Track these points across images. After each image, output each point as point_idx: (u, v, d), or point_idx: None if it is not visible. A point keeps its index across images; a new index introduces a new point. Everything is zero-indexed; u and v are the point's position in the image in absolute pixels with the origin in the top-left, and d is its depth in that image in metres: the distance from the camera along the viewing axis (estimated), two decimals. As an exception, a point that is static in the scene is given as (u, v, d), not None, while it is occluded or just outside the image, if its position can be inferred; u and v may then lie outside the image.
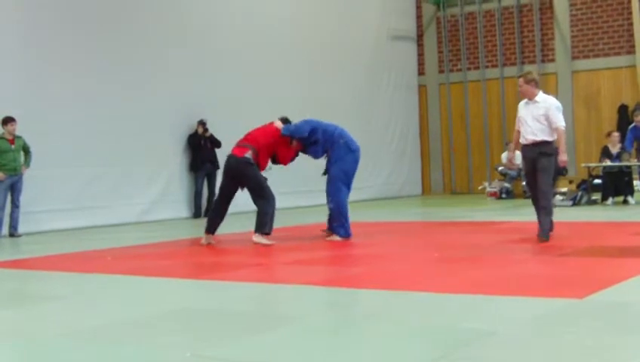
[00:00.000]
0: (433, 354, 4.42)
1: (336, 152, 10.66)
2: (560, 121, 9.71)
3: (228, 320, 5.61)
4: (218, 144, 16.50)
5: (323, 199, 10.93)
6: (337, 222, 10.66)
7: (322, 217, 11.39)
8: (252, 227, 10.52)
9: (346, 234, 10.62)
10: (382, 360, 4.33)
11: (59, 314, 6.16)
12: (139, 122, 15.44)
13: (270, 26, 18.47)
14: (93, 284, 7.70)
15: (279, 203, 10.88)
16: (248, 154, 10.47)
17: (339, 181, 10.63)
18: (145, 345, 4.92)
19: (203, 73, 16.70)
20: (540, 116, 9.70)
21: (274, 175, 11.24)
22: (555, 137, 9.77)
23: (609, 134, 17.27)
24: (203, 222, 15.43)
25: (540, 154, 9.69)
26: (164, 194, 16.00)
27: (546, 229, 9.68)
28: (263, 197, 10.44)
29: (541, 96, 9.87)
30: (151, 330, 5.35)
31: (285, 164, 11.16)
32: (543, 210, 9.72)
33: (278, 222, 11.12)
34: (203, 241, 10.77)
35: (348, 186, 10.74)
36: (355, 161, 10.78)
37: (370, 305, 6.09)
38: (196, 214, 16.46)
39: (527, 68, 21.79)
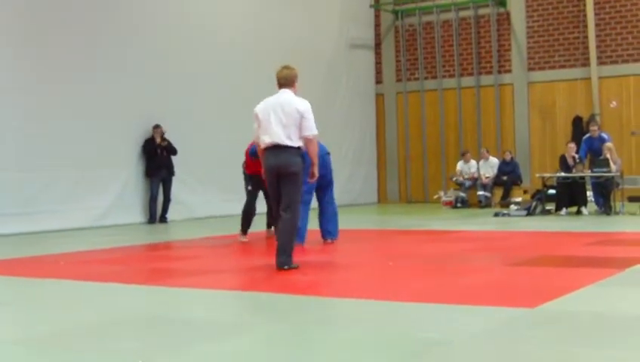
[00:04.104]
0: (386, 362, 4.42)
1: None
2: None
3: (180, 327, 5.56)
4: (174, 152, 16.41)
5: None
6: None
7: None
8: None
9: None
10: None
11: (5, 321, 6.07)
12: (94, 125, 15.24)
13: (230, 32, 18.42)
14: (43, 290, 7.59)
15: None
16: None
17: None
18: (96, 351, 4.85)
19: (159, 76, 16.55)
20: None
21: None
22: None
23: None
24: (157, 227, 15.49)
25: None
26: (119, 199, 15.82)
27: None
28: None
29: None
30: (103, 337, 5.28)
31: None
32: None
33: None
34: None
35: (307, 200, 10.53)
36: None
37: (324, 313, 6.07)
38: (151, 220, 16.32)
39: (484, 78, 22.17)
